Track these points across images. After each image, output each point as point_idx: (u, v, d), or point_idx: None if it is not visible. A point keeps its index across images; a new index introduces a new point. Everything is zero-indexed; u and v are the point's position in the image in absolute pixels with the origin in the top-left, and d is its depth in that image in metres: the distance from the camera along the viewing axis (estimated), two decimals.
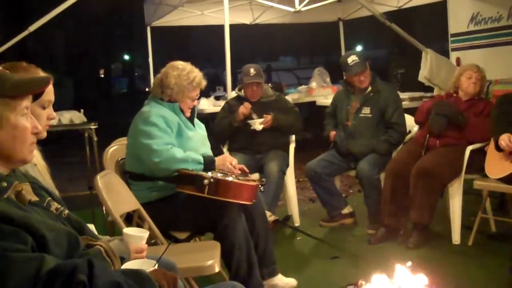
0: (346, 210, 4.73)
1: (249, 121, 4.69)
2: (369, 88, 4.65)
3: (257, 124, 4.66)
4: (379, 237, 4.28)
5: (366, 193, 4.54)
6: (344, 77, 4.87)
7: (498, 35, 6.09)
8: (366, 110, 4.61)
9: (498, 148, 3.54)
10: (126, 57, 26.53)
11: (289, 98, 7.45)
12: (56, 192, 2.06)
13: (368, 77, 4.63)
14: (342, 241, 4.37)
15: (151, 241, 3.00)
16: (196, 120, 3.60)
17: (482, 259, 3.83)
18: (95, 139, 5.15)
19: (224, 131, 4.82)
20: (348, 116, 4.69)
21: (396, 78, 9.21)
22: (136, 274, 1.57)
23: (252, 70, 4.74)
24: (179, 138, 3.36)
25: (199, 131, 3.56)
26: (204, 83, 3.47)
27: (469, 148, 4.09)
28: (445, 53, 6.81)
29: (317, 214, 4.91)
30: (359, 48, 17.05)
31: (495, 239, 4.19)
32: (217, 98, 7.55)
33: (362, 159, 4.50)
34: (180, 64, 3.44)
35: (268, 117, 4.68)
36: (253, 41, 15.03)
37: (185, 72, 3.39)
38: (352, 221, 4.73)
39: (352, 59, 4.63)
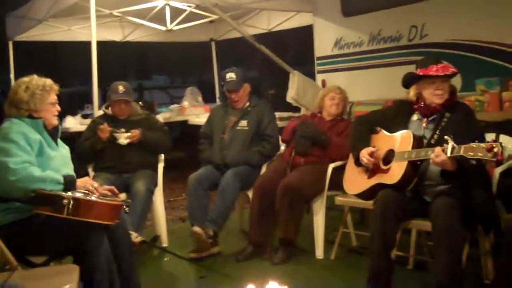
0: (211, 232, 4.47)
1: (115, 134, 4.57)
2: (248, 103, 4.77)
3: (123, 138, 4.55)
4: (247, 254, 4.32)
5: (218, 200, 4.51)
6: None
7: (359, 59, 6.44)
8: (243, 123, 4.70)
9: (357, 164, 3.70)
10: None
11: (161, 117, 7.41)
12: None
13: (241, 98, 4.72)
14: (210, 260, 4.34)
15: (5, 267, 2.80)
16: (59, 140, 3.44)
17: (343, 272, 3.99)
18: None
19: (86, 154, 4.68)
20: (225, 129, 4.72)
21: (267, 98, 9.44)
22: None
23: (120, 88, 4.64)
24: (40, 157, 3.18)
25: (62, 151, 3.40)
26: (56, 87, 3.34)
27: (331, 166, 4.27)
28: (312, 75, 7.10)
29: (186, 234, 4.83)
30: None
31: (356, 252, 4.38)
32: (85, 116, 7.29)
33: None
34: (23, 78, 3.32)
35: (136, 132, 4.59)
36: (125, 59, 14.75)
37: (33, 81, 3.28)
38: (217, 250, 4.47)
39: (230, 76, 4.71)
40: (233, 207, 4.45)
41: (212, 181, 4.58)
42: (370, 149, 3.62)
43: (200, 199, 4.51)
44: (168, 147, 4.86)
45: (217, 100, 8.65)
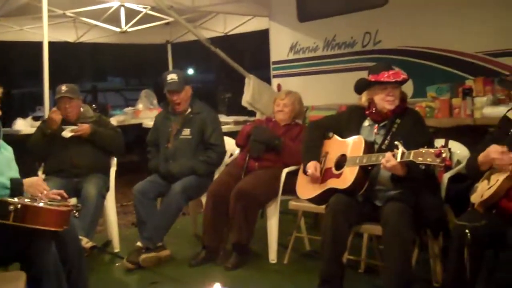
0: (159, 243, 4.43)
1: (62, 127, 4.49)
2: (189, 110, 4.68)
3: (67, 130, 4.46)
4: (200, 259, 4.29)
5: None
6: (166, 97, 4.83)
7: (314, 64, 6.51)
8: (186, 132, 4.62)
9: (305, 173, 3.74)
10: None
11: (115, 120, 7.32)
12: None
13: (183, 101, 4.64)
14: (163, 266, 4.29)
15: None
16: (1, 142, 3.33)
17: (295, 277, 4.00)
18: None
19: (38, 142, 4.58)
20: (169, 138, 4.65)
21: (223, 102, 9.42)
22: None
23: (63, 87, 4.56)
24: None
25: (5, 153, 3.29)
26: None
27: (285, 171, 4.28)
28: (268, 79, 7.13)
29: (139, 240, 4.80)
30: (190, 71, 17.25)
31: (309, 256, 4.40)
32: (36, 118, 7.13)
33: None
34: None
35: (84, 125, 4.51)
36: (79, 60, 14.49)
37: None
38: (166, 253, 4.42)
39: (171, 77, 4.63)
40: (188, 212, 4.39)
41: (159, 190, 4.54)
42: (318, 164, 3.67)
43: (146, 210, 4.44)
44: (121, 148, 4.78)
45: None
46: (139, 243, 4.33)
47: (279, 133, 4.51)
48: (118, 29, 7.56)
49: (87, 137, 4.54)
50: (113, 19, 7.32)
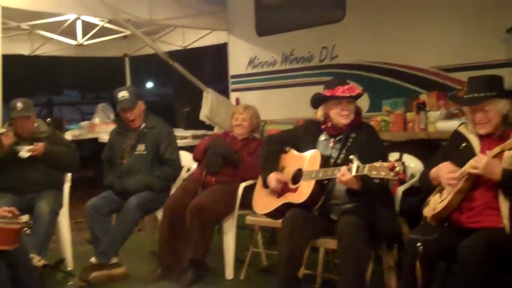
0: (114, 260, 4.35)
1: (16, 147, 4.36)
2: (143, 125, 4.62)
3: (24, 150, 4.34)
4: (156, 276, 4.22)
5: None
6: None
7: (273, 78, 6.54)
8: (141, 147, 4.55)
9: (265, 185, 3.73)
10: None
11: (70, 134, 7.20)
12: None
13: (137, 116, 4.58)
14: (118, 283, 4.20)
15: None
16: None
17: None
18: None
19: None
20: (123, 154, 4.58)
21: (182, 116, 9.38)
22: None
23: (19, 104, 4.43)
24: None
25: None
26: None
27: (242, 185, 4.26)
28: (227, 93, 7.13)
29: (93, 256, 4.69)
30: (149, 84, 17.14)
31: (266, 271, 4.38)
32: None
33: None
34: None
35: (39, 145, 4.40)
36: (35, 74, 14.21)
37: None
38: (121, 271, 4.34)
39: (122, 94, 4.56)
40: (144, 229, 4.32)
41: (113, 206, 4.46)
42: (280, 175, 3.65)
43: (100, 226, 4.36)
44: (75, 164, 4.68)
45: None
46: (93, 259, 4.23)
47: (236, 147, 4.49)
48: (74, 42, 7.47)
49: (41, 156, 4.43)
50: (70, 32, 7.24)
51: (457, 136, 3.25)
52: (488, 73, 3.32)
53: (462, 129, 3.25)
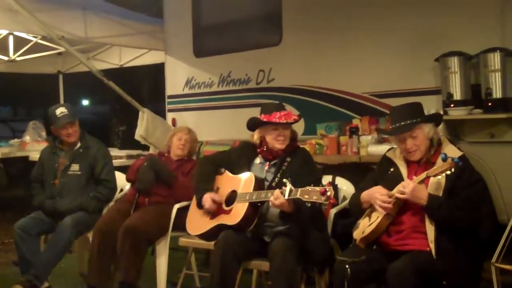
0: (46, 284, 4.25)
1: None
2: (78, 144, 4.53)
3: None
4: None
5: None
6: (52, 132, 4.65)
7: (210, 99, 6.53)
8: (75, 167, 4.46)
9: (199, 206, 3.71)
10: None
11: None
12: None
13: (76, 132, 4.52)
14: None
15: None
16: None
17: None
18: None
19: None
20: (56, 174, 4.47)
21: (117, 135, 9.24)
22: None
23: None
24: None
25: None
26: None
27: (176, 206, 4.22)
28: (164, 113, 7.06)
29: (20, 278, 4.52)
30: (84, 102, 16.79)
31: None
32: None
33: None
34: None
35: None
36: None
37: None
38: None
39: (60, 111, 4.48)
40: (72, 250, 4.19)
41: (43, 227, 4.35)
42: (215, 195, 3.65)
43: (28, 247, 4.23)
44: (1, 183, 4.53)
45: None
46: (18, 286, 4.07)
47: (171, 167, 4.46)
48: (6, 58, 7.27)
49: None
50: (1, 47, 7.05)
51: (386, 161, 3.35)
52: (416, 100, 3.43)
53: (390, 154, 3.35)
